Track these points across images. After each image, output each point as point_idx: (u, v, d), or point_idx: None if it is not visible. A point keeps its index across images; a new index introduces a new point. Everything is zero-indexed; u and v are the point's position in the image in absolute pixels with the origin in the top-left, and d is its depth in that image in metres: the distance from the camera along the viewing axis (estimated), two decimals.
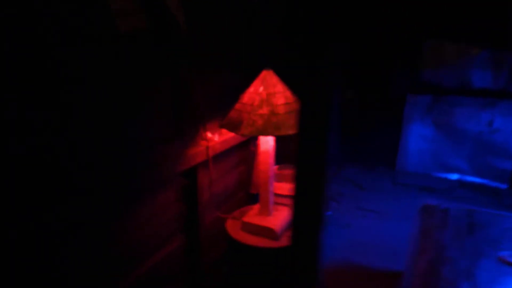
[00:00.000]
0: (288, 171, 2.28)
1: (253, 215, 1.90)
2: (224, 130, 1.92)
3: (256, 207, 1.98)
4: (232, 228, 1.91)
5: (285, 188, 2.20)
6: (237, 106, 1.71)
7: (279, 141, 1.87)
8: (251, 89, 1.68)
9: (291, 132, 1.58)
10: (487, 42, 3.54)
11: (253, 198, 2.36)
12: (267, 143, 1.76)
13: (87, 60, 1.13)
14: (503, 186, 3.53)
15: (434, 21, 3.75)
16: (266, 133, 1.58)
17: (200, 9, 1.65)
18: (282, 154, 2.09)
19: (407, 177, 3.96)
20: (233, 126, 1.67)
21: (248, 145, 2.33)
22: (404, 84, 4.04)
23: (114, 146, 1.30)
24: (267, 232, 1.81)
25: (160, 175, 1.54)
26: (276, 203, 2.00)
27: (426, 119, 4.00)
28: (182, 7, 1.45)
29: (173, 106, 1.59)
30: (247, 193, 2.39)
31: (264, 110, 1.60)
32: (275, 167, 2.19)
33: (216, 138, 1.88)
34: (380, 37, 3.84)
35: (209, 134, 1.84)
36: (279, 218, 1.87)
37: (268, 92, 1.63)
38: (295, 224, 0.71)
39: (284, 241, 1.80)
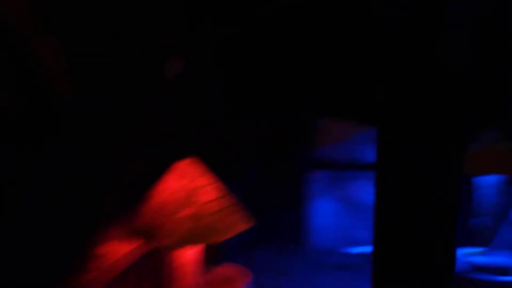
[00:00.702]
0: (221, 273, 1.83)
1: None
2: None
3: None
4: None
5: None
6: (149, 207, 1.29)
7: None
8: (169, 183, 1.31)
9: (227, 236, 1.22)
10: (373, 120, 3.87)
11: None
12: (189, 251, 1.35)
13: None
14: None
15: (324, 101, 3.99)
16: (193, 242, 1.19)
17: (96, 77, 1.27)
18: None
19: (321, 255, 3.83)
20: (146, 236, 1.23)
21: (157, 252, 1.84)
22: (304, 161, 4.10)
23: None
24: None
25: None
26: None
27: (329, 194, 4.06)
28: (69, 77, 1.05)
29: (53, 214, 1.10)
30: None
31: (188, 212, 1.22)
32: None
33: (117, 252, 1.39)
34: (280, 118, 3.90)
35: (107, 249, 1.34)
36: None
37: (192, 187, 1.27)
38: None
39: None
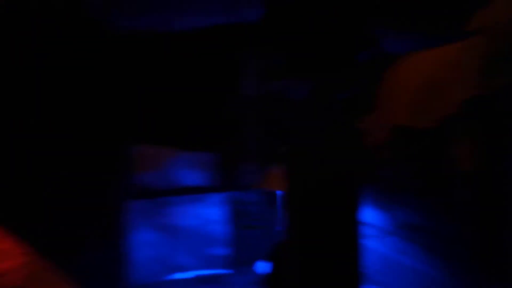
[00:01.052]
0: None
1: None
2: None
3: None
4: None
5: None
6: None
7: None
8: None
9: None
10: (190, 145, 3.99)
11: None
12: None
13: None
14: (229, 271, 3.87)
15: (136, 127, 3.86)
16: None
17: None
18: None
19: None
20: None
21: None
22: (121, 191, 3.81)
23: None
24: None
25: None
26: None
27: (149, 223, 3.91)
28: None
29: None
30: None
31: None
32: None
33: None
34: (93, 145, 3.52)
35: None
36: None
37: None
38: None
39: None
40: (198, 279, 3.72)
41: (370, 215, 2.11)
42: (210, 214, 4.02)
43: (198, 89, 3.79)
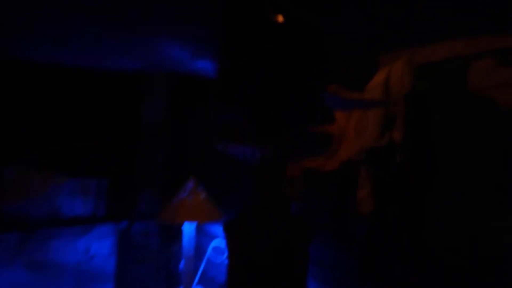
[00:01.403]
0: None
1: None
2: None
3: None
4: None
5: None
6: None
7: None
8: None
9: None
10: (74, 170, 3.63)
11: None
12: None
13: None
14: None
15: (14, 149, 3.37)
16: None
17: None
18: None
19: None
20: None
21: None
22: None
23: None
24: None
25: None
26: None
27: (16, 261, 3.34)
28: None
29: None
30: None
31: None
32: None
33: None
34: None
35: None
36: None
37: None
38: None
39: None
40: None
41: None
42: (96, 247, 3.64)
43: (91, 112, 3.52)
